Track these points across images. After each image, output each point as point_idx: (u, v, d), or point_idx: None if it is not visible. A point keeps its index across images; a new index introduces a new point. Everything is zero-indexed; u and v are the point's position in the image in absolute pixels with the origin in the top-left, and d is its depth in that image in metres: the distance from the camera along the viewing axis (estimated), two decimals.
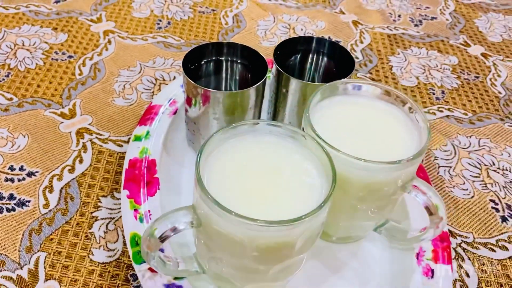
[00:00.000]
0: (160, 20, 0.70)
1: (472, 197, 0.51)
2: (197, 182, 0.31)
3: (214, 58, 0.47)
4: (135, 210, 0.40)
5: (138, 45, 0.65)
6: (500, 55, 0.73)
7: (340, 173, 0.32)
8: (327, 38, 0.49)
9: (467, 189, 0.51)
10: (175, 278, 0.36)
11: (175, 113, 0.50)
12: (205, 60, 0.47)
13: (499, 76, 0.69)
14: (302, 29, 0.72)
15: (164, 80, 0.60)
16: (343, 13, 0.78)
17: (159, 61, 0.62)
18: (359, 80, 0.42)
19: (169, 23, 0.70)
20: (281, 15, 0.75)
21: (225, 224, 0.30)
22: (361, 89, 0.41)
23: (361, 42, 0.71)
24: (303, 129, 0.37)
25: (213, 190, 0.30)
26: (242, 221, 0.29)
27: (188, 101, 0.45)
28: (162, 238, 0.32)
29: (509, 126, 0.60)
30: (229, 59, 0.48)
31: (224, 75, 0.49)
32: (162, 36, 0.67)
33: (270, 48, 0.68)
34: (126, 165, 0.44)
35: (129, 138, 0.51)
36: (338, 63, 0.48)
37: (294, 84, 0.45)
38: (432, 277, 0.39)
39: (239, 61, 0.48)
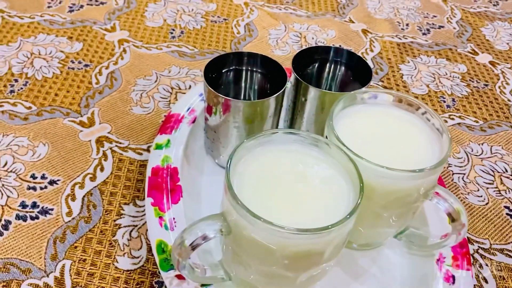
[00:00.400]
0: (173, 29, 0.71)
1: (487, 203, 0.51)
2: (227, 189, 0.31)
3: (234, 67, 0.48)
4: (160, 217, 0.41)
5: (153, 54, 0.66)
6: (507, 63, 0.74)
7: (364, 181, 0.33)
8: (343, 48, 0.50)
9: (481, 196, 0.52)
10: (202, 285, 0.37)
11: (193, 121, 0.51)
12: (225, 69, 0.48)
13: (507, 84, 0.70)
14: (313, 38, 0.73)
15: (180, 89, 0.60)
16: (353, 22, 0.79)
17: (174, 70, 0.63)
18: (379, 89, 0.43)
19: (182, 32, 0.71)
20: (292, 24, 0.76)
21: (255, 231, 0.31)
22: (381, 98, 0.42)
23: (372, 50, 0.72)
24: (326, 137, 0.38)
25: (243, 197, 0.31)
26: (272, 229, 0.29)
27: (209, 110, 0.46)
28: (193, 246, 0.32)
29: None
30: (249, 68, 0.48)
31: (243, 84, 0.50)
32: (176, 45, 0.68)
33: (283, 57, 0.69)
34: (149, 173, 0.44)
35: (149, 146, 0.52)
36: (355, 72, 0.49)
37: (312, 93, 0.46)
38: (453, 283, 0.39)
39: (258, 70, 0.48)
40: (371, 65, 0.69)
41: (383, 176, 0.35)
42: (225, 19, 0.75)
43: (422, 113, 0.40)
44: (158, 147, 0.47)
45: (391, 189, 0.36)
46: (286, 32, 0.74)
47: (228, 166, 0.33)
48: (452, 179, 0.54)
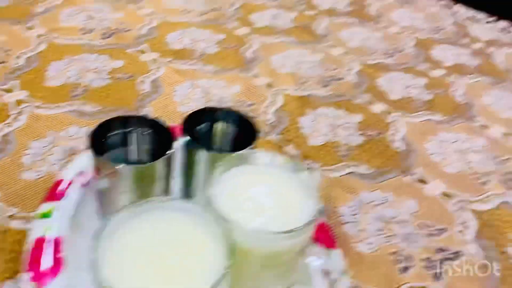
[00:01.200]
0: (76, 88, 0.71)
1: (376, 250, 0.54)
2: (91, 270, 0.31)
3: (121, 130, 0.49)
4: None
5: (52, 115, 0.65)
6: (399, 111, 0.81)
7: (240, 244, 0.34)
8: (231, 109, 0.52)
9: (372, 243, 0.55)
10: None
11: (85, 185, 0.50)
12: (113, 133, 0.48)
13: (398, 131, 0.75)
14: (217, 93, 0.76)
15: (77, 150, 0.60)
16: (257, 77, 0.82)
17: (72, 130, 0.62)
18: (260, 151, 0.46)
19: (84, 90, 0.71)
20: (198, 80, 0.79)
21: None
22: (261, 159, 0.44)
23: (274, 104, 0.76)
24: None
25: (113, 274, 0.31)
26: None
27: (96, 175, 0.46)
28: None
29: (408, 179, 0.66)
30: (137, 130, 0.49)
31: (133, 146, 0.50)
32: (78, 104, 0.67)
33: (188, 113, 0.70)
34: (29, 245, 0.43)
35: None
36: (244, 133, 0.51)
37: (202, 155, 0.47)
38: None
39: (147, 132, 0.49)
40: (273, 119, 0.72)
41: (258, 239, 0.37)
42: (131, 76, 0.76)
43: (299, 172, 0.43)
44: (44, 215, 0.46)
45: (265, 251, 0.38)
46: (192, 88, 0.76)
47: (94, 242, 0.32)
48: (344, 229, 0.56)
